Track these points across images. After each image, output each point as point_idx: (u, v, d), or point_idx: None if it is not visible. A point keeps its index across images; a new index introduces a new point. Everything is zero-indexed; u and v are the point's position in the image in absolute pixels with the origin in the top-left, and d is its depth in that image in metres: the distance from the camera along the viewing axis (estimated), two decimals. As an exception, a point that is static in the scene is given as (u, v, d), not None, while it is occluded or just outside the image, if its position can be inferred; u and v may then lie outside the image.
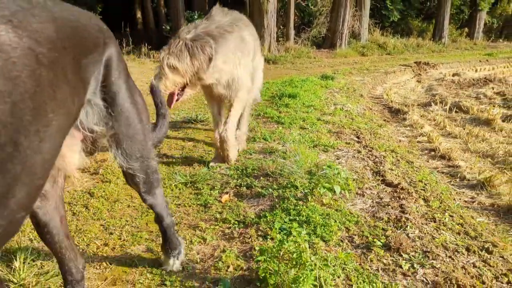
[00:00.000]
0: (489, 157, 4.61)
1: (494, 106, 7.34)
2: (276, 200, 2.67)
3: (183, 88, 3.01)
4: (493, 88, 9.30)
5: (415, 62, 12.62)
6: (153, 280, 1.87)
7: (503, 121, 6.26)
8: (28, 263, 1.83)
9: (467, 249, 2.26)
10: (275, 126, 4.65)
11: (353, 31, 15.00)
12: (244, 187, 2.90)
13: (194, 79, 2.94)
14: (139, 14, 18.67)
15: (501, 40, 21.80)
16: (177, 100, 3.03)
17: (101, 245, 2.12)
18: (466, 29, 21.12)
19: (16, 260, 1.80)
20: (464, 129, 5.81)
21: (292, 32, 13.57)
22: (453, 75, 11.52)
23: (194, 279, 1.87)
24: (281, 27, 13.93)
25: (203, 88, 3.29)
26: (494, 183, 3.66)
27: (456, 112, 6.95)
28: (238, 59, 3.15)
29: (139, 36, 14.51)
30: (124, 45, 11.89)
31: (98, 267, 1.95)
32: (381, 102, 7.46)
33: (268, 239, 2.16)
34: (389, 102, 7.47)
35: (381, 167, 3.48)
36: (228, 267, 1.95)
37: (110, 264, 1.98)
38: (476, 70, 12.94)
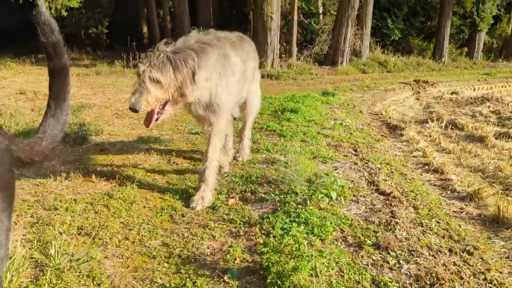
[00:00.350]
0: (480, 172, 4.87)
1: (488, 124, 7.63)
2: (278, 204, 2.94)
3: (163, 106, 2.77)
4: (489, 107, 9.60)
5: (415, 80, 12.93)
6: (170, 269, 2.14)
7: (496, 138, 6.54)
8: (62, 252, 2.09)
9: (450, 250, 2.51)
10: (277, 138, 4.94)
11: (355, 49, 15.41)
12: (249, 193, 3.18)
13: (176, 94, 2.73)
14: (145, 29, 19.22)
15: (500, 60, 22.19)
16: (156, 120, 2.79)
17: (122, 239, 2.39)
18: (466, 49, 21.57)
19: (51, 248, 2.07)
20: (458, 145, 6.07)
21: (294, 49, 13.98)
22: (451, 93, 11.84)
23: (205, 269, 2.13)
24: (284, 44, 14.35)
25: (186, 108, 3.05)
26: (482, 195, 3.92)
27: (451, 129, 7.22)
28: (219, 77, 2.94)
29: (145, 50, 14.93)
30: (130, 59, 12.26)
31: (121, 257, 2.22)
32: (380, 118, 7.75)
33: (271, 236, 2.43)
34: (388, 118, 7.75)
35: (375, 178, 3.74)
36: (235, 259, 2.22)
37: (131, 255, 2.25)
38: (474, 89, 13.27)
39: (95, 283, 1.95)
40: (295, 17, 13.61)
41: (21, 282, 1.89)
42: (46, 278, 1.91)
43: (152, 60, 2.62)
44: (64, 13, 12.29)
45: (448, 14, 18.82)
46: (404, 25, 19.25)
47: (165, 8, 18.24)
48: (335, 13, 15.26)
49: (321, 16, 16.67)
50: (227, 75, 3.01)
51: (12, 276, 1.88)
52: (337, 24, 14.46)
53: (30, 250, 2.13)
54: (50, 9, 11.90)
